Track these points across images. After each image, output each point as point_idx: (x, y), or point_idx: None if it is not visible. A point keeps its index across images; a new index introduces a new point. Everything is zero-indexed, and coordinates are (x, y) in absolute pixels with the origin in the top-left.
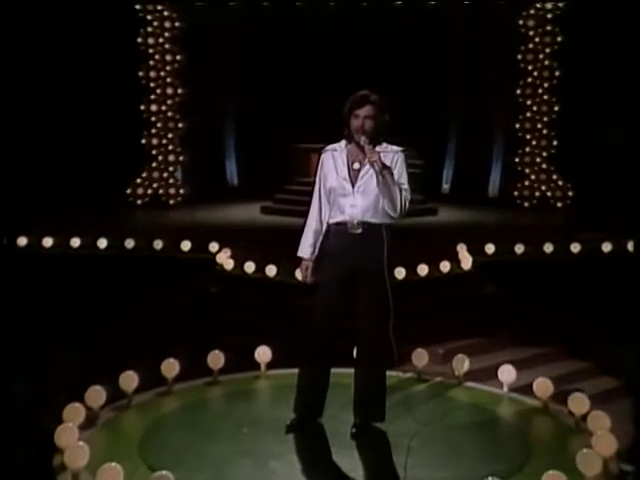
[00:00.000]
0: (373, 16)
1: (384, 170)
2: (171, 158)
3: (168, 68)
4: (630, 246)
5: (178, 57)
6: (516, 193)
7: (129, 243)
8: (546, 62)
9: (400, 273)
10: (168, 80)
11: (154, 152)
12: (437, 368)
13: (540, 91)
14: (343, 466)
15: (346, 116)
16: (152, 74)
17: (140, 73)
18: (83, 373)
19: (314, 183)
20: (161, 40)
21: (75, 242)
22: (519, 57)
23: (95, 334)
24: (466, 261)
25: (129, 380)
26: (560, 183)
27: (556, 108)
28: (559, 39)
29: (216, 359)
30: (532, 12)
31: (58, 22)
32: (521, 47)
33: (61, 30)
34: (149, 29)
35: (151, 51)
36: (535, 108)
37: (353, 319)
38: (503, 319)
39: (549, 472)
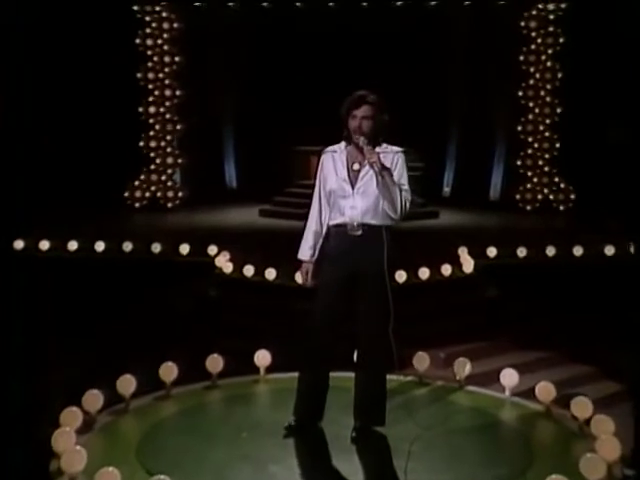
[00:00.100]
0: (373, 16)
1: (383, 171)
2: (169, 160)
3: (166, 70)
4: (631, 249)
5: (177, 58)
6: (518, 196)
7: (127, 246)
8: (548, 63)
9: (401, 276)
10: (166, 82)
11: (152, 154)
12: (438, 372)
13: (542, 93)
14: (343, 470)
15: (344, 117)
16: (150, 76)
17: (138, 75)
18: (80, 377)
19: (313, 186)
20: (159, 41)
21: (72, 245)
22: (521, 58)
23: (93, 338)
24: (468, 264)
25: (127, 384)
26: (562, 186)
27: (558, 110)
28: (561, 40)
29: (215, 363)
30: (534, 13)
31: (56, 23)
32: (523, 48)
33: (59, 31)
34: (147, 30)
35: (149, 52)
36: (537, 110)
37: (353, 322)
38: (505, 323)
39: (552, 476)
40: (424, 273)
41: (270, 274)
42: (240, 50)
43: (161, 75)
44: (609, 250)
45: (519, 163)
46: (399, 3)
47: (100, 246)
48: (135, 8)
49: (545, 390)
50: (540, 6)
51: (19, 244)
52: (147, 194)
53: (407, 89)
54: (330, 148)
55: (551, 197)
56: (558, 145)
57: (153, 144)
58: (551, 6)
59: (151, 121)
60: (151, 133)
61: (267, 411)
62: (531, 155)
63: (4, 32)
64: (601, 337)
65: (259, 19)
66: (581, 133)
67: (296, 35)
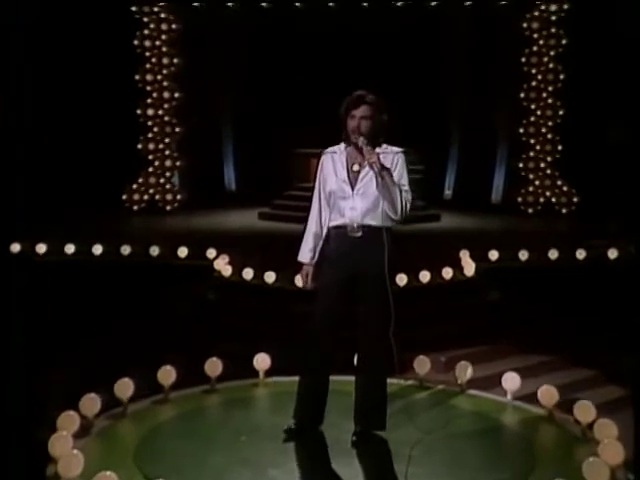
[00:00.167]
0: (374, 17)
1: (383, 171)
2: (168, 163)
3: (165, 71)
4: (632, 249)
5: (175, 60)
6: (520, 199)
7: (125, 249)
8: (550, 65)
9: (402, 280)
10: (165, 83)
11: (151, 157)
12: (439, 376)
13: (544, 95)
14: (343, 475)
15: (343, 117)
16: (149, 77)
17: (137, 76)
18: (78, 380)
19: (313, 189)
20: (158, 43)
21: (70, 248)
22: (523, 60)
23: (90, 342)
24: (469, 268)
25: (125, 388)
26: (565, 189)
27: (561, 112)
28: (564, 42)
29: (214, 366)
30: (536, 14)
31: (54, 24)
32: (525, 50)
33: (57, 32)
34: (145, 31)
35: (148, 54)
36: (539, 112)
37: (353, 325)
38: (507, 326)
39: None
40: (425, 276)
41: (269, 277)
42: (239, 51)
43: (159, 77)
44: (612, 253)
45: (521, 165)
46: (399, 3)
47: (98, 249)
48: (133, 9)
49: (547, 394)
50: (542, 7)
51: (16, 247)
52: (145, 197)
53: (408, 91)
54: (330, 149)
55: (553, 200)
56: (560, 147)
57: (151, 146)
58: (553, 7)
59: (149, 123)
60: (149, 135)
61: (266, 415)
62: (533, 157)
63: (4, 32)
64: (604, 341)
65: (259, 19)
66: (584, 135)
67: (296, 36)
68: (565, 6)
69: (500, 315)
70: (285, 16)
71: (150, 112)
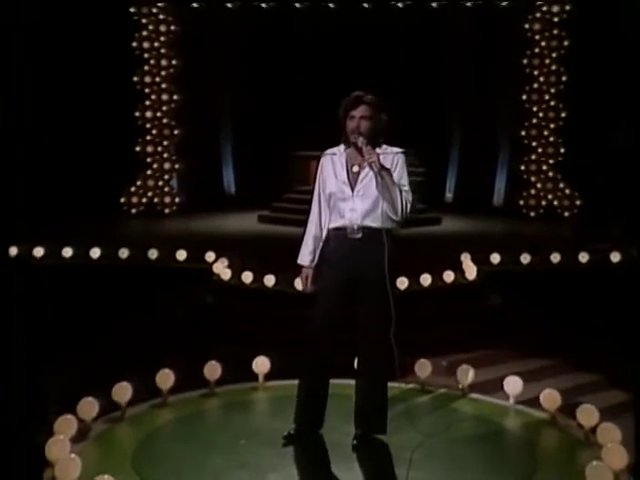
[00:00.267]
0: (374, 18)
1: (383, 171)
2: (166, 166)
3: (163, 73)
4: (635, 252)
5: (174, 62)
6: (522, 202)
7: (123, 253)
8: (552, 67)
9: (403, 283)
10: (163, 86)
11: (149, 160)
12: (440, 380)
13: (546, 97)
14: (343, 479)
15: (342, 118)
16: (147, 79)
17: (135, 78)
18: (75, 384)
19: (312, 191)
20: (157, 44)
21: (67, 252)
22: (525, 62)
23: (88, 345)
24: (470, 271)
25: (123, 391)
26: (567, 192)
27: (563, 114)
28: (566, 43)
29: (213, 370)
30: (538, 16)
31: (53, 25)
32: (527, 51)
33: (56, 33)
34: (144, 33)
35: (146, 56)
36: (541, 114)
37: (353, 328)
38: (508, 330)
39: None
40: (426, 280)
41: (269, 280)
42: (238, 53)
43: (158, 79)
44: (615, 257)
45: (523, 168)
46: (400, 4)
47: (96, 252)
48: (132, 10)
49: (550, 398)
50: (544, 8)
51: (13, 250)
52: (144, 200)
53: (409, 93)
54: (329, 150)
55: (555, 203)
56: (563, 150)
57: (150, 149)
58: (555, 8)
59: (148, 126)
60: (148, 138)
61: (266, 419)
62: (535, 160)
63: (4, 32)
64: (607, 345)
65: (258, 20)
66: (586, 138)
67: (296, 37)
68: (567, 7)
69: (502, 318)
70: (285, 17)
71: (149, 114)
